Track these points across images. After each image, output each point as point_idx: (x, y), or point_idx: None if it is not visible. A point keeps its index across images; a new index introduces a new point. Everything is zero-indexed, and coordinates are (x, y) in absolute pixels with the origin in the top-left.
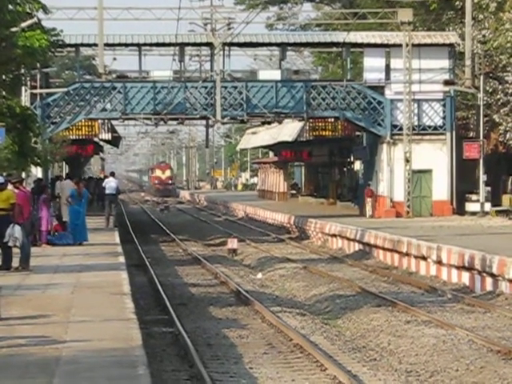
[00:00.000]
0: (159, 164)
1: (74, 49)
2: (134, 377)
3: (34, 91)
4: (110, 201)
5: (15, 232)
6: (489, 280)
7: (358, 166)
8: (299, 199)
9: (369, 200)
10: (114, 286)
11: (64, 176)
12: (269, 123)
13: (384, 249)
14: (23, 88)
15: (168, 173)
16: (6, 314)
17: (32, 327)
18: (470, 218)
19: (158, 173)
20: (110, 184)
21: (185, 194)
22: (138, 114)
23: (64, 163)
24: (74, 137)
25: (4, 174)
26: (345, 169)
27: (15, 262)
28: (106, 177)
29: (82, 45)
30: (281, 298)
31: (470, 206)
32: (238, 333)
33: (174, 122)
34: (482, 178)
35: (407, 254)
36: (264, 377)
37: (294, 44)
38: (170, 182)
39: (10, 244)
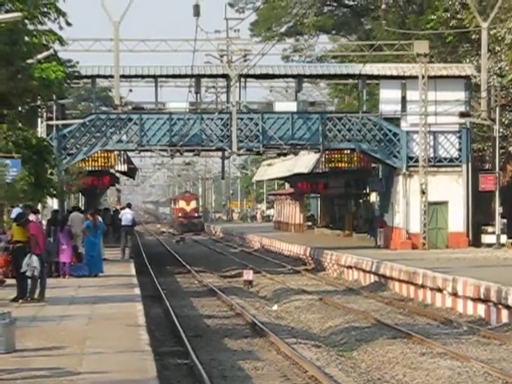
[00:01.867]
0: (183, 194)
1: (90, 80)
2: None
3: (50, 122)
4: (125, 232)
5: (33, 262)
6: (504, 312)
7: (373, 197)
8: (315, 231)
9: (380, 230)
10: (128, 317)
11: (71, 208)
12: (285, 155)
13: (400, 281)
14: (39, 119)
15: (193, 204)
16: (21, 346)
17: (47, 359)
18: (486, 249)
19: (181, 204)
20: (126, 215)
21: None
22: (153, 146)
23: (80, 194)
24: (90, 168)
25: (20, 205)
26: (361, 200)
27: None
28: (122, 208)
29: (98, 76)
30: (296, 330)
31: (486, 238)
32: (253, 364)
33: (190, 154)
34: (498, 209)
35: (423, 286)
36: None
37: (310, 76)
38: (196, 214)
39: (28, 274)
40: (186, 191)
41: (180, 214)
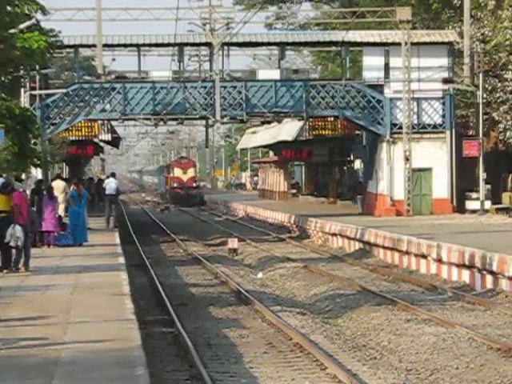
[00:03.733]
0: (179, 160)
1: (72, 50)
2: (133, 377)
3: (34, 92)
4: (110, 201)
5: (17, 232)
6: (489, 278)
7: (358, 164)
8: (300, 198)
9: (359, 197)
10: (113, 286)
11: (53, 176)
12: (268, 123)
13: (384, 247)
14: (22, 89)
15: (191, 172)
16: (6, 316)
17: (32, 328)
18: (470, 216)
19: (177, 172)
20: (110, 185)
21: None
22: (137, 115)
23: (64, 164)
24: (74, 138)
25: (4, 175)
26: (345, 168)
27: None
28: (107, 177)
29: (81, 46)
30: (281, 298)
31: (470, 204)
32: (239, 332)
33: (174, 123)
34: (482, 175)
35: (407, 253)
36: (264, 376)
37: (293, 43)
38: (195, 184)
39: (12, 244)
40: (183, 157)
41: (175, 185)
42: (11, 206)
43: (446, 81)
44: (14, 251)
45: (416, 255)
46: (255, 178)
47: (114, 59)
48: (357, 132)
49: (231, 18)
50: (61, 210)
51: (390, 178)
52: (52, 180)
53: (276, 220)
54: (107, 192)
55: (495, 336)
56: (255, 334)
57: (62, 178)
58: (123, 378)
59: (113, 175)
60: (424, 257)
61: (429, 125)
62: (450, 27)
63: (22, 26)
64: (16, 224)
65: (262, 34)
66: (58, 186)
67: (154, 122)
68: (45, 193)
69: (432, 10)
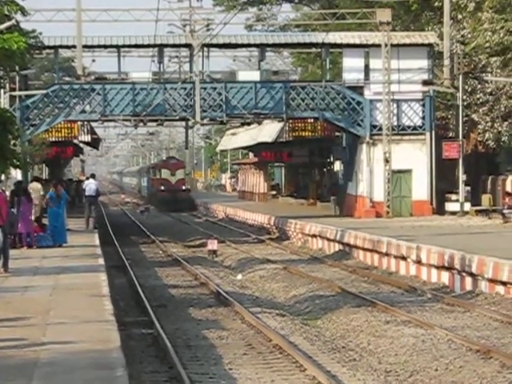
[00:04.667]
0: (167, 161)
1: (52, 51)
2: (112, 378)
3: (13, 93)
4: (89, 202)
5: None
6: (468, 279)
7: (337, 166)
8: (279, 200)
9: (333, 198)
10: (93, 287)
11: (31, 179)
12: (248, 124)
13: (364, 249)
14: (2, 90)
15: (180, 173)
16: None
17: (10, 330)
18: (450, 217)
19: (164, 174)
20: (89, 186)
21: None
22: (117, 116)
23: (44, 165)
24: (54, 139)
25: None
26: (325, 169)
27: None
28: (87, 179)
29: (61, 47)
30: (261, 299)
31: (450, 206)
32: (218, 334)
33: (154, 124)
34: (462, 177)
35: (387, 254)
36: (243, 378)
37: (273, 45)
38: (184, 187)
39: None
40: (171, 157)
41: (162, 188)
42: None
43: (425, 83)
44: None
45: (396, 257)
46: (232, 180)
47: (93, 60)
48: (337, 134)
49: (211, 19)
50: (37, 212)
51: (370, 179)
52: (30, 182)
53: (256, 221)
54: (87, 193)
55: (474, 338)
56: (235, 335)
57: (39, 180)
58: (102, 379)
59: (92, 176)
60: (404, 258)
61: (408, 126)
62: (430, 29)
63: (1, 27)
64: None
65: (242, 35)
66: (35, 188)
67: (133, 123)
68: (22, 195)
69: (412, 11)
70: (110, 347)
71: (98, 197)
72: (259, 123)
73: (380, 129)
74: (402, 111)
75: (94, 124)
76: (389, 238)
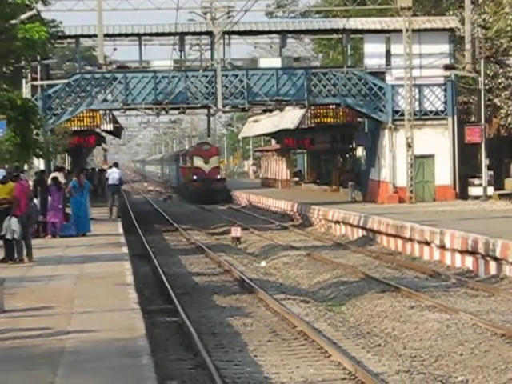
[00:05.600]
0: (199, 147)
1: (74, 40)
2: (137, 366)
3: (35, 83)
4: (112, 191)
5: (12, 224)
6: (492, 264)
7: (360, 152)
8: (302, 186)
9: (351, 184)
10: (117, 276)
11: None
12: (270, 111)
13: (387, 234)
14: (24, 80)
15: (215, 161)
16: (10, 306)
17: (36, 319)
18: (473, 202)
19: (196, 162)
20: (112, 175)
21: None
22: (139, 104)
23: (66, 155)
24: (76, 128)
25: (6, 166)
26: (347, 155)
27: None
28: (109, 167)
29: (82, 36)
30: (285, 286)
31: (473, 191)
32: (242, 321)
33: (176, 112)
34: (485, 162)
35: (411, 240)
36: (268, 364)
37: (294, 31)
38: (219, 177)
39: (8, 237)
40: (204, 142)
41: (194, 177)
42: (13, 196)
43: (447, 67)
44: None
45: (419, 242)
46: (253, 167)
47: (115, 49)
48: (359, 119)
49: (232, 6)
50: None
51: (393, 165)
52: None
53: (279, 208)
54: (110, 182)
55: (499, 322)
56: (259, 322)
57: (61, 170)
58: (128, 367)
59: (115, 165)
60: (427, 243)
61: (431, 111)
62: (451, 13)
63: (22, 17)
64: (12, 216)
65: (262, 22)
66: (57, 176)
67: (155, 111)
68: (49, 183)
69: None
70: (135, 335)
71: (121, 185)
72: (281, 110)
73: (402, 114)
74: (423, 96)
75: (116, 113)
76: (412, 223)
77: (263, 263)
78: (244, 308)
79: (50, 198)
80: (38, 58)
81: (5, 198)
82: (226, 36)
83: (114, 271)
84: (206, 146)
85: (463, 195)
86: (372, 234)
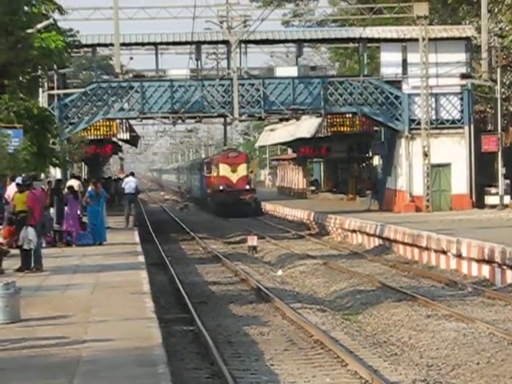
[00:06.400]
0: (226, 154)
1: (90, 49)
2: (154, 375)
3: (52, 92)
4: (129, 200)
5: (29, 234)
6: (509, 273)
7: (376, 161)
8: (319, 195)
9: (368, 192)
10: (133, 285)
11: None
12: (287, 120)
13: (404, 243)
14: (40, 89)
15: (243, 170)
16: (26, 315)
17: (52, 328)
18: (490, 211)
19: (223, 170)
20: (129, 184)
21: None
22: (155, 113)
23: (83, 163)
24: (93, 137)
25: (23, 175)
26: (364, 164)
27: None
28: (126, 176)
29: (99, 45)
30: (301, 295)
31: (490, 199)
32: (259, 330)
33: (192, 121)
34: (501, 170)
35: (427, 249)
36: (285, 373)
37: (311, 40)
38: (248, 187)
39: (25, 247)
40: (231, 149)
41: (220, 187)
42: (27, 206)
43: (463, 76)
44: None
45: (436, 251)
46: (269, 177)
47: (131, 58)
48: (375, 128)
49: (248, 15)
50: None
51: (409, 173)
52: (69, 179)
53: (295, 217)
54: (126, 191)
55: None
56: (276, 331)
57: (77, 178)
58: (144, 376)
59: (132, 174)
60: (444, 252)
61: (447, 120)
62: (468, 22)
63: (39, 26)
64: (28, 226)
65: (279, 31)
66: (73, 185)
67: (172, 120)
68: (66, 192)
69: (449, 5)
70: (152, 344)
71: (137, 194)
72: (297, 119)
73: (418, 123)
74: (440, 105)
75: (132, 122)
76: (429, 232)
77: (280, 272)
78: (260, 317)
79: (66, 206)
80: (55, 67)
81: (22, 211)
82: (243, 45)
83: (130, 280)
84: (234, 153)
85: (480, 204)
86: (388, 242)
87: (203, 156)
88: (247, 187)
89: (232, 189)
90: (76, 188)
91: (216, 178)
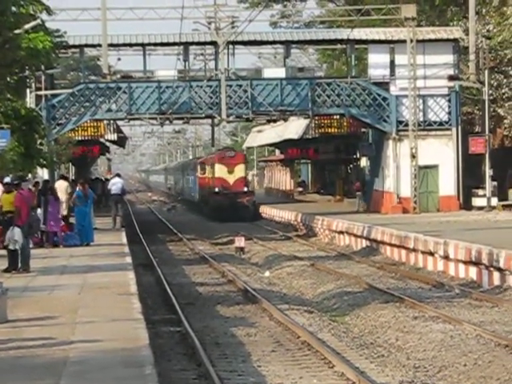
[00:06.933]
0: (222, 153)
1: (78, 50)
2: (141, 377)
3: (39, 93)
4: (115, 201)
5: (15, 235)
6: (496, 274)
7: (364, 162)
8: (306, 196)
9: (358, 194)
10: (120, 286)
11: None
12: (274, 121)
13: (391, 245)
14: (28, 90)
15: (240, 170)
16: (13, 316)
17: (39, 329)
18: (477, 212)
19: (219, 171)
20: (115, 185)
21: None
22: (143, 114)
23: (70, 164)
24: (80, 138)
25: (10, 175)
26: (351, 165)
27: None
28: (113, 177)
29: (86, 46)
30: (288, 296)
31: (477, 201)
32: (246, 331)
33: (180, 122)
34: (489, 172)
35: (414, 250)
36: (272, 375)
37: (299, 42)
38: (246, 189)
39: (11, 247)
40: (227, 148)
41: (216, 189)
42: (14, 206)
43: (451, 78)
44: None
45: (423, 252)
46: (257, 178)
47: (119, 59)
48: (363, 130)
49: (236, 16)
50: (64, 210)
51: (397, 175)
52: (57, 180)
53: (283, 218)
54: (113, 192)
55: (503, 333)
56: (263, 332)
57: (65, 178)
58: (131, 377)
59: (118, 175)
60: (431, 254)
61: (435, 122)
62: (455, 24)
63: (27, 27)
64: (15, 226)
65: (267, 32)
66: (61, 186)
67: (159, 121)
68: (49, 194)
69: (436, 6)
70: (139, 345)
71: (123, 195)
72: (285, 120)
73: (406, 124)
74: (427, 107)
75: (120, 122)
76: (416, 233)
77: (267, 273)
78: (248, 318)
79: (41, 207)
80: (42, 67)
81: (9, 211)
82: (230, 46)
83: (117, 281)
84: (231, 153)
85: (467, 206)
86: (376, 244)
87: (191, 157)
88: (245, 189)
89: (229, 191)
90: (63, 189)
91: (211, 179)
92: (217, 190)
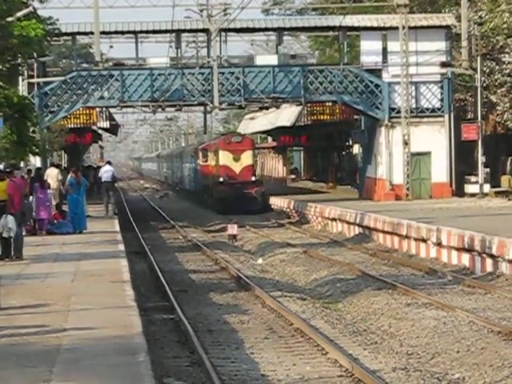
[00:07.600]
0: (227, 138)
1: (70, 37)
2: (134, 364)
3: (32, 80)
4: (106, 188)
5: (8, 222)
6: (489, 261)
7: (356, 149)
8: (299, 183)
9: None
10: (113, 273)
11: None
12: (267, 108)
13: (384, 232)
14: (20, 77)
15: (248, 157)
16: (6, 304)
17: (32, 316)
18: (470, 199)
19: (224, 158)
20: (107, 173)
21: None
22: (135, 102)
23: (63, 152)
24: (72, 125)
25: (3, 163)
26: (344, 152)
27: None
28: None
29: (79, 33)
30: (281, 283)
31: (470, 188)
32: (239, 318)
33: (172, 109)
34: (481, 159)
35: (407, 237)
36: (265, 362)
37: (291, 29)
38: (254, 178)
39: (5, 235)
40: (233, 132)
41: (220, 179)
42: (7, 194)
43: (444, 64)
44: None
45: (416, 239)
46: None
47: (111, 46)
48: (355, 117)
49: (228, 3)
50: (57, 198)
51: (389, 162)
52: (48, 168)
53: (275, 205)
54: (104, 179)
55: (496, 319)
56: (256, 319)
57: (57, 166)
58: (125, 364)
59: (108, 163)
60: (424, 241)
61: (427, 109)
62: (448, 10)
63: (19, 14)
64: (8, 214)
65: (259, 19)
66: (52, 173)
67: (152, 108)
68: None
69: None
70: (132, 333)
71: (114, 183)
72: (277, 107)
73: (399, 111)
74: (420, 93)
75: (112, 110)
76: (409, 220)
77: (260, 260)
78: (241, 305)
79: (38, 195)
80: (35, 55)
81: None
82: (223, 33)
83: (110, 268)
84: (237, 137)
85: (459, 192)
86: (368, 231)
87: (183, 145)
88: (253, 179)
89: (234, 181)
90: (54, 176)
91: (215, 167)
92: (221, 179)
